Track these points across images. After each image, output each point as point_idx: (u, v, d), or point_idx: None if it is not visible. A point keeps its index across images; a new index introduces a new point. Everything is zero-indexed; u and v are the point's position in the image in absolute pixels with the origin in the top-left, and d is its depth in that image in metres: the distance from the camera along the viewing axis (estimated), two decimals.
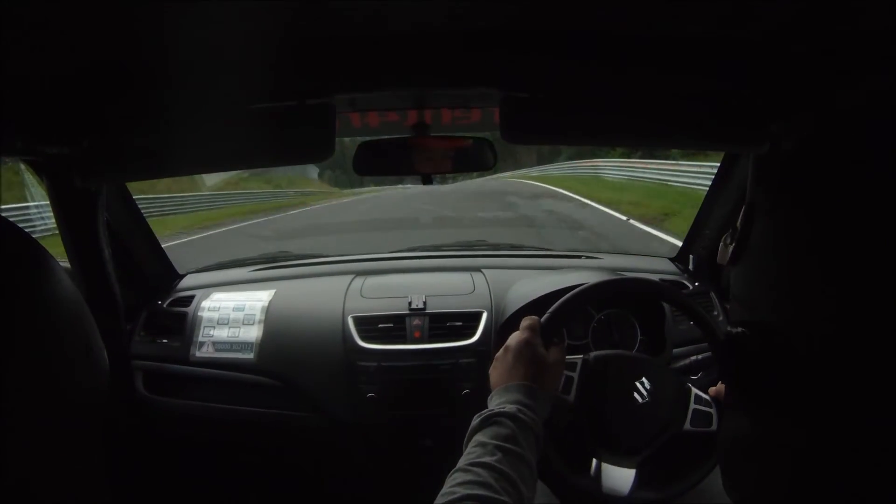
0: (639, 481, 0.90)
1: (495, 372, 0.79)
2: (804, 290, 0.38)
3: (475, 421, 0.68)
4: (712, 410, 0.91)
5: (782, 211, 0.41)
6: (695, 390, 0.93)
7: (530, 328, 0.83)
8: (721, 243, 0.54)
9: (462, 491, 0.56)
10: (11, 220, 0.39)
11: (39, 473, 0.38)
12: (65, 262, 1.14)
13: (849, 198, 0.36)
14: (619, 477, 0.89)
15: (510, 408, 0.68)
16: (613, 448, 0.90)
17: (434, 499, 0.58)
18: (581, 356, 0.92)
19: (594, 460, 0.90)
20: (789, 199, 0.41)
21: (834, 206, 0.36)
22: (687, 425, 0.91)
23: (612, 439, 0.91)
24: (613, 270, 1.51)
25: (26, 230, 0.39)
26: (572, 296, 0.92)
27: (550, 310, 0.89)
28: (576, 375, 0.90)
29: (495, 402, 0.71)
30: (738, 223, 0.47)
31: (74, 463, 0.43)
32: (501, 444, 0.63)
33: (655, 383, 0.92)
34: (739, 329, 0.45)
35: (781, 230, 0.41)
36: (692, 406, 0.92)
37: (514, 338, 0.82)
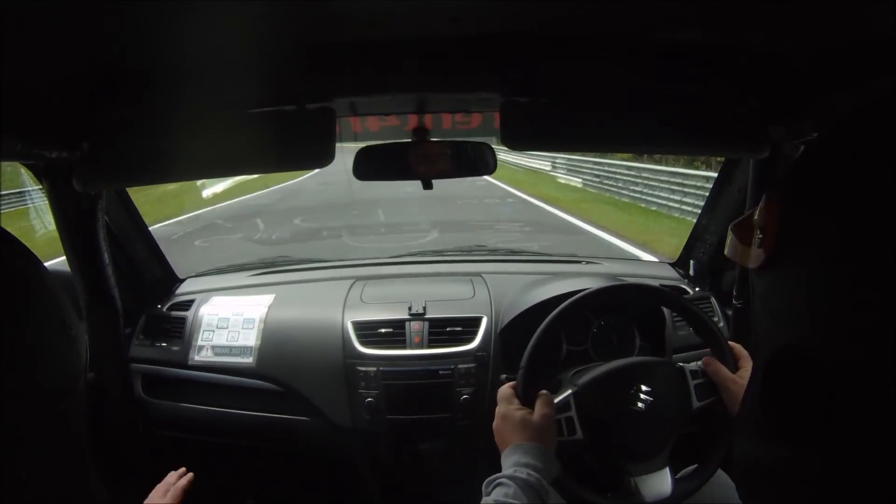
0: (675, 476, 0.91)
1: (497, 443, 0.85)
2: (848, 305, 0.34)
3: (483, 488, 0.77)
4: (708, 380, 0.93)
5: (815, 215, 0.38)
6: (687, 368, 0.94)
7: (504, 399, 0.88)
8: (732, 237, 0.50)
9: None
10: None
11: (26, 461, 0.40)
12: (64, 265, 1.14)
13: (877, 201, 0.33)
14: (657, 480, 0.90)
15: (509, 470, 0.77)
16: (638, 458, 0.90)
17: (432, 503, 0.59)
18: (569, 391, 0.92)
19: (627, 477, 0.91)
20: (821, 201, 0.38)
21: (865, 210, 0.34)
22: (695, 403, 0.93)
23: (633, 452, 0.91)
24: (613, 276, 1.50)
25: None
26: (542, 333, 0.94)
27: (522, 366, 0.91)
28: (573, 413, 0.90)
29: (503, 467, 0.80)
30: (763, 220, 0.42)
31: (63, 449, 0.45)
32: (502, 500, 0.72)
33: (651, 383, 0.91)
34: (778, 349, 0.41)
35: (817, 233, 0.37)
36: (691, 384, 0.93)
37: (496, 415, 0.87)
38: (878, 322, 0.33)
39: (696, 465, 0.96)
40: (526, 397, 0.87)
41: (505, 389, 0.90)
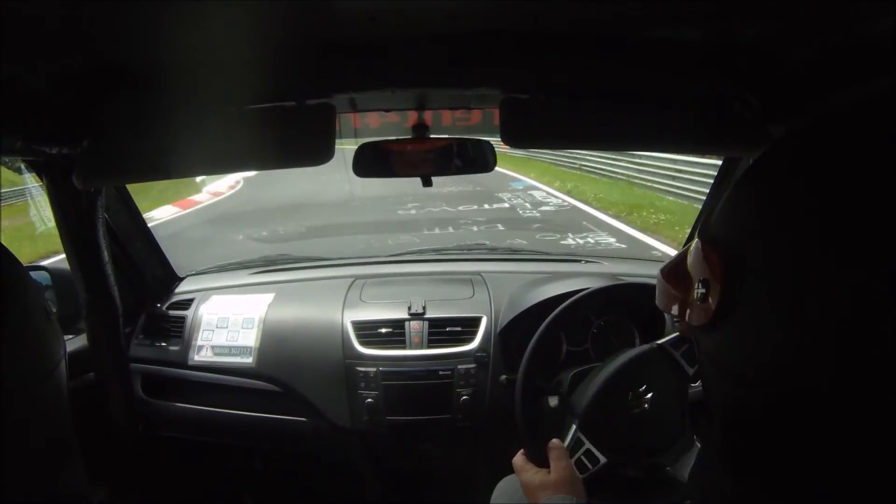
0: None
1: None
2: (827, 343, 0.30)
3: None
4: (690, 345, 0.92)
5: (793, 229, 0.32)
6: (666, 343, 0.96)
7: (519, 470, 0.89)
8: (662, 285, 0.42)
9: None
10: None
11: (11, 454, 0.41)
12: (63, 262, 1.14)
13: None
14: (692, 459, 0.90)
15: None
16: (665, 449, 0.91)
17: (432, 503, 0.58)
18: (573, 427, 0.92)
19: (663, 470, 0.91)
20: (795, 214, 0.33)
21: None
22: (690, 371, 0.93)
23: (657, 448, 0.91)
24: (612, 276, 1.50)
25: None
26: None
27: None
28: (588, 445, 0.90)
29: None
30: (703, 270, 0.36)
31: (45, 438, 0.46)
32: None
33: (644, 378, 0.92)
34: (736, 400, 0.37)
35: (791, 255, 0.32)
36: (678, 356, 0.94)
37: (522, 485, 0.87)
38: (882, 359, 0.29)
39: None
40: (535, 450, 0.88)
41: (516, 460, 0.90)
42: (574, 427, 0.91)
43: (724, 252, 0.35)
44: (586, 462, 0.89)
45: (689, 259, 0.39)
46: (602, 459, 0.89)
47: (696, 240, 0.39)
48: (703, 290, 0.36)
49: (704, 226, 0.39)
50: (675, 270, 0.41)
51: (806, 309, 0.31)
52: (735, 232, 0.36)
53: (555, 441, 0.88)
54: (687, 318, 0.39)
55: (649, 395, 0.90)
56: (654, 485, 0.91)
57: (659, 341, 0.96)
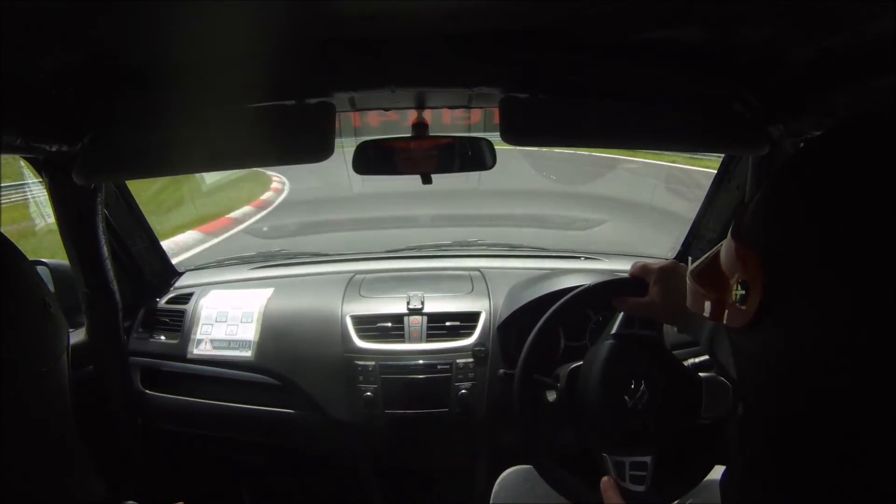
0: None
1: None
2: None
3: None
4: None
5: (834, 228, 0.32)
6: (615, 328, 0.95)
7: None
8: (693, 287, 0.42)
9: None
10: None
11: (12, 442, 0.41)
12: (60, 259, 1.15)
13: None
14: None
15: None
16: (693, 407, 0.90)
17: (430, 498, 0.58)
18: (605, 458, 0.90)
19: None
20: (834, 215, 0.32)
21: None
22: (668, 332, 0.95)
23: (692, 406, 0.90)
24: (610, 272, 1.51)
25: None
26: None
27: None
28: (628, 461, 0.90)
29: None
30: (739, 270, 0.35)
31: (48, 432, 0.46)
32: None
33: (633, 377, 0.90)
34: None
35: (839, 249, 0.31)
36: (641, 331, 0.94)
37: None
38: None
39: None
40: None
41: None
42: (606, 457, 0.90)
43: (761, 252, 0.35)
44: (638, 473, 0.88)
45: (723, 259, 0.39)
46: (648, 458, 0.88)
47: (728, 240, 0.39)
48: (743, 292, 0.36)
49: (737, 227, 0.39)
50: (707, 272, 0.41)
51: (845, 305, 0.31)
52: (772, 232, 0.36)
53: (603, 480, 0.84)
54: (725, 320, 0.39)
55: (643, 387, 0.90)
56: (708, 436, 0.91)
57: (612, 332, 0.95)
